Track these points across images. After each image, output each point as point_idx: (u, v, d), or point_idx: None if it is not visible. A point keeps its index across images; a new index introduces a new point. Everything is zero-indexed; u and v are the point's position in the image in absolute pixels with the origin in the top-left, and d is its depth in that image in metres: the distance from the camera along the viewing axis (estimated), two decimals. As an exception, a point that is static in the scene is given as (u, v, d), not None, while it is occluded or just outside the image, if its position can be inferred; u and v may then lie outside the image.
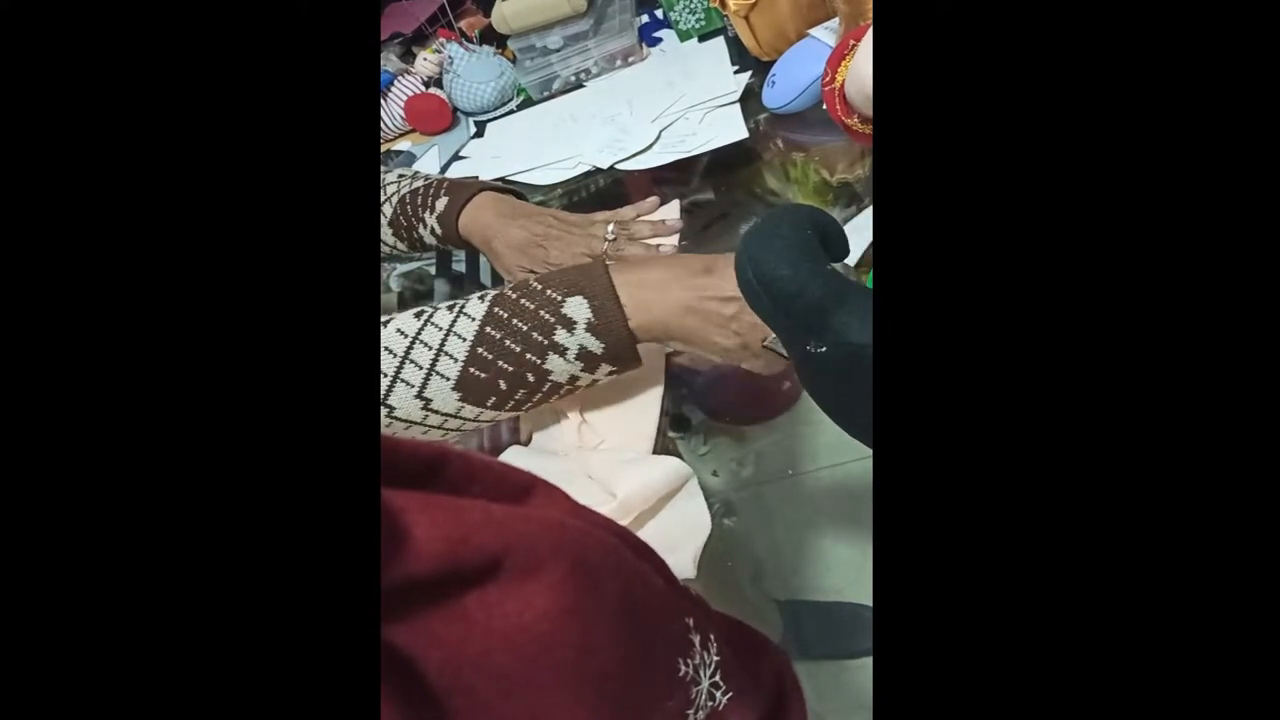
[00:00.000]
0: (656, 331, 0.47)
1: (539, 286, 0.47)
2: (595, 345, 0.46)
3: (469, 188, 0.66)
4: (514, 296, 0.47)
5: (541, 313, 0.46)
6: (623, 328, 0.46)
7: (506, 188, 0.69)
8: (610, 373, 0.49)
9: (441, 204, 0.65)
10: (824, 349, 0.38)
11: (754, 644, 0.33)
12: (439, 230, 0.66)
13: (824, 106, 0.63)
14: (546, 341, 0.46)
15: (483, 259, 0.82)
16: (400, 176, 0.71)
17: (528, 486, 0.24)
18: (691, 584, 0.42)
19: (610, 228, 0.63)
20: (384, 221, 0.69)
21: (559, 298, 0.46)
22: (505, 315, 0.46)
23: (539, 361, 0.46)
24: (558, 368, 0.46)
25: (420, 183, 0.68)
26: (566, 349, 0.46)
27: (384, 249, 0.71)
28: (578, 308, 0.46)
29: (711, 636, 0.28)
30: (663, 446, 0.54)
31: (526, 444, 0.57)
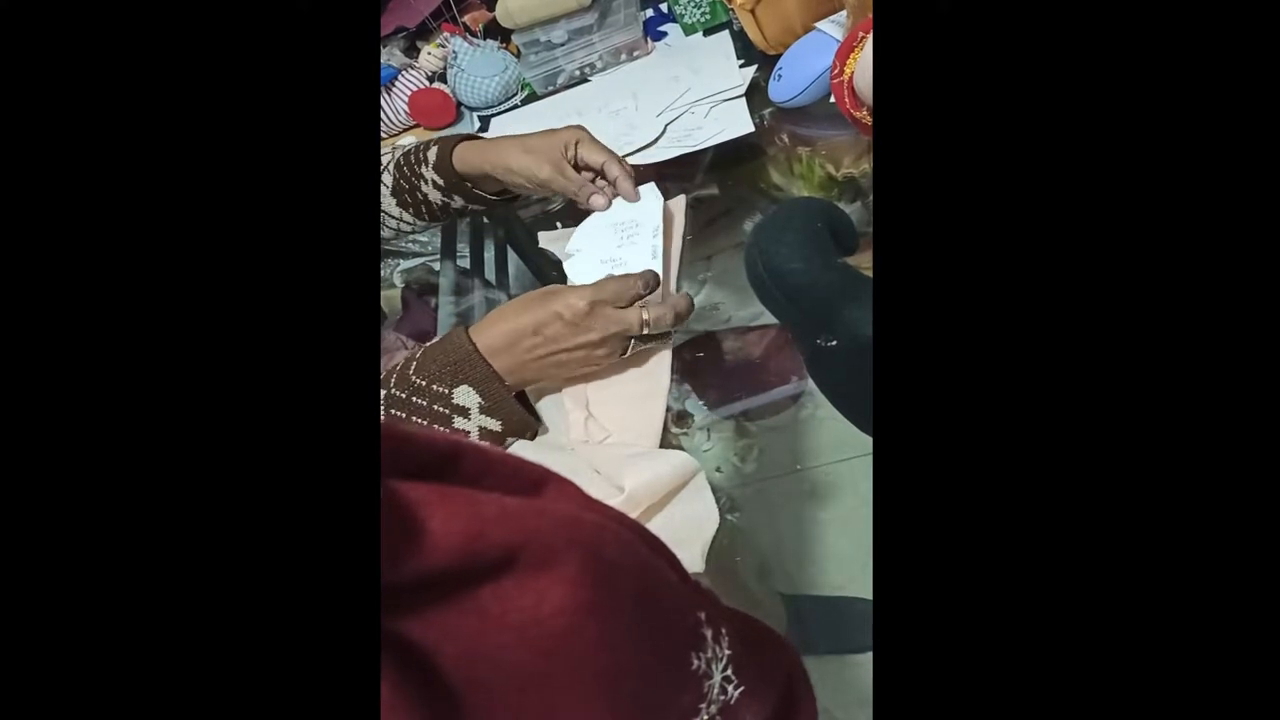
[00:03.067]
0: (526, 385, 0.52)
1: (422, 383, 0.49)
2: (494, 424, 0.50)
3: (457, 136, 0.66)
4: (403, 396, 0.49)
5: (435, 407, 0.49)
6: (513, 402, 0.50)
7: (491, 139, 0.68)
8: (513, 440, 0.53)
9: (433, 153, 0.65)
10: (835, 342, 0.38)
11: (765, 639, 0.33)
12: (439, 180, 0.65)
13: (831, 100, 0.63)
14: (447, 431, 0.49)
15: (487, 253, 0.82)
16: (394, 148, 0.70)
17: (541, 480, 0.24)
18: (700, 578, 0.42)
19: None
20: (387, 193, 0.69)
21: (445, 390, 0.49)
22: (404, 417, 0.49)
23: None
24: None
25: (411, 146, 0.69)
26: (469, 433, 0.50)
27: (392, 224, 0.70)
28: (466, 396, 0.49)
29: (723, 630, 0.27)
30: (667, 443, 0.54)
31: (532, 439, 0.56)
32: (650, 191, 0.63)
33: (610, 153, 0.62)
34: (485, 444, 0.22)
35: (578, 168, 0.63)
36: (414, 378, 0.49)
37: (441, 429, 0.49)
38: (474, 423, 0.50)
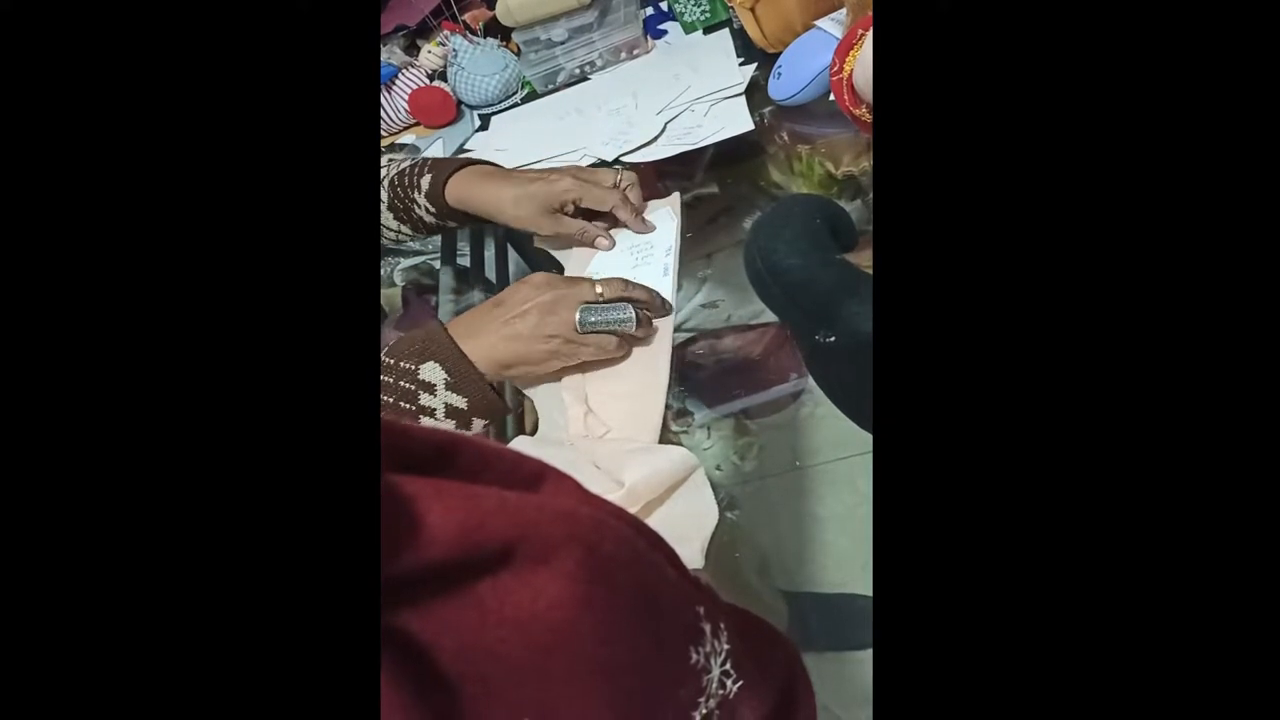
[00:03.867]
0: (497, 371, 0.52)
1: (390, 361, 0.50)
2: (459, 401, 0.50)
3: (452, 163, 0.65)
4: None
5: (401, 383, 0.50)
6: (479, 378, 0.50)
7: (489, 163, 0.68)
8: (485, 425, 0.53)
9: (426, 181, 0.65)
10: (833, 339, 0.38)
11: (764, 633, 0.33)
12: (431, 209, 0.66)
13: (831, 98, 0.63)
14: (414, 408, 0.50)
15: (487, 252, 0.82)
16: (389, 160, 0.70)
17: (539, 474, 0.24)
18: (699, 574, 0.42)
19: (621, 177, 0.63)
20: (383, 207, 0.69)
21: (412, 366, 0.50)
22: None
23: None
24: None
25: (406, 164, 0.68)
26: (434, 410, 0.50)
27: (390, 235, 0.71)
28: (432, 372, 0.50)
29: (721, 625, 0.28)
30: (666, 441, 0.54)
31: (532, 434, 0.57)
32: (665, 213, 0.64)
33: (615, 194, 0.61)
34: (483, 438, 0.23)
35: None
36: (384, 358, 0.50)
37: (408, 406, 0.49)
38: (440, 399, 0.50)
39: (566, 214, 0.62)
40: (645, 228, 0.62)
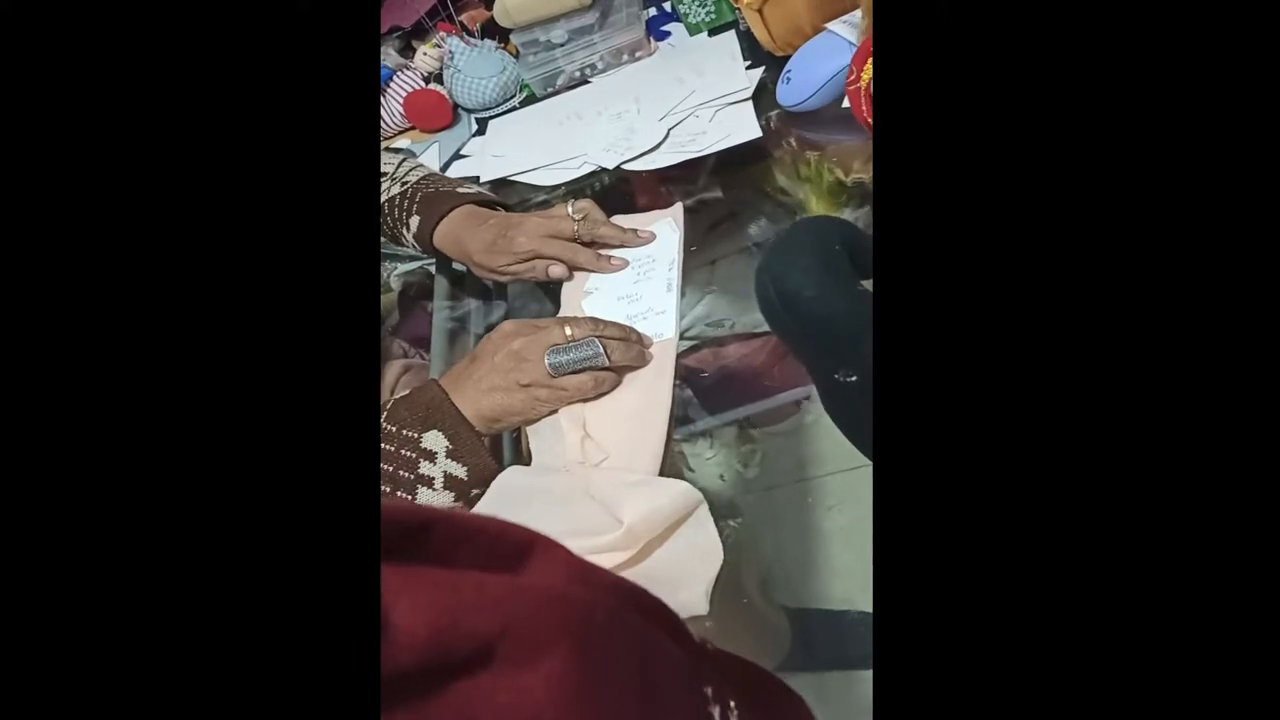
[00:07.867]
0: (487, 426, 0.51)
1: (392, 428, 0.49)
2: (459, 469, 0.49)
3: (440, 206, 0.66)
4: None
5: (403, 451, 0.49)
6: (481, 447, 0.50)
7: (483, 198, 0.67)
8: (479, 493, 0.51)
9: (415, 222, 0.66)
10: (854, 378, 0.35)
11: (776, 697, 0.30)
12: (418, 246, 0.67)
13: (844, 104, 0.60)
14: (413, 476, 0.49)
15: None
16: (382, 175, 0.69)
17: (526, 547, 0.21)
18: (706, 639, 0.39)
19: (572, 206, 0.62)
20: None
21: (415, 435, 0.49)
22: None
23: (410, 499, 0.49)
24: (429, 501, 0.50)
25: (398, 189, 0.68)
26: (433, 479, 0.49)
27: (388, 251, 0.71)
28: (434, 440, 0.49)
29: (732, 703, 0.25)
30: (668, 451, 0.52)
31: (528, 460, 0.54)
32: (667, 224, 0.62)
33: (570, 247, 0.62)
34: (460, 511, 0.20)
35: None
36: (385, 424, 0.50)
37: (407, 474, 0.48)
38: (439, 467, 0.49)
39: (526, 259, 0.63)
40: (610, 266, 0.62)
